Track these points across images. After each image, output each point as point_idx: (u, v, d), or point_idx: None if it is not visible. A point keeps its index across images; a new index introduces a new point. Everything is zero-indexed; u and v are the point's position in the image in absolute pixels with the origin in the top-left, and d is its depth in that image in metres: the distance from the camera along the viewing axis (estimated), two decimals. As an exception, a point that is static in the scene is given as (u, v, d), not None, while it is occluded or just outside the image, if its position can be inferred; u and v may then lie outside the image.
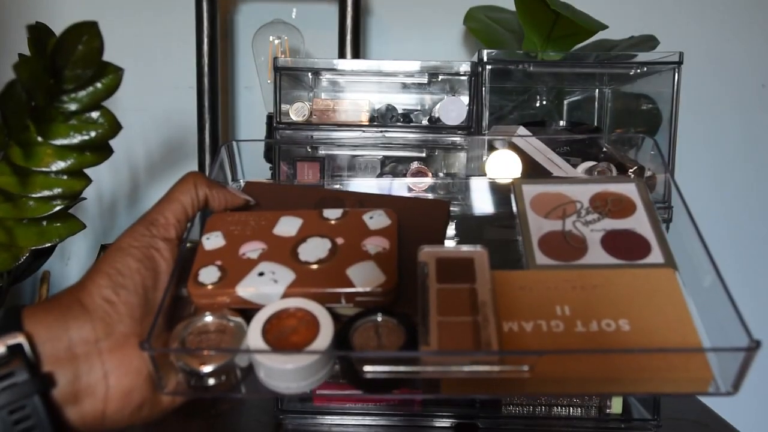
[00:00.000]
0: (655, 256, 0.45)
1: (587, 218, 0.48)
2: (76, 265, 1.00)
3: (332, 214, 0.45)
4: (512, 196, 0.52)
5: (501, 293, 0.41)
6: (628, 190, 0.50)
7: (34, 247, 0.50)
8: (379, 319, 0.39)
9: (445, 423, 0.62)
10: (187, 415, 0.42)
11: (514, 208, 0.51)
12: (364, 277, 0.40)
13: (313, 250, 0.42)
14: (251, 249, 0.43)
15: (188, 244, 0.43)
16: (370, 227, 0.44)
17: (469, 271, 0.42)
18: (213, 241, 0.43)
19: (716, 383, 0.37)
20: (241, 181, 0.50)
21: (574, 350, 0.38)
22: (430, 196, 0.57)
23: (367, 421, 0.62)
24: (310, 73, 0.58)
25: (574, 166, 0.58)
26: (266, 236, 0.43)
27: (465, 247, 0.44)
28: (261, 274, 0.40)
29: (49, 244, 0.51)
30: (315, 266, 0.41)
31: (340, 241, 0.43)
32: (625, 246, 0.46)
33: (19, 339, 0.36)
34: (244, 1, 0.97)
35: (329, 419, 0.63)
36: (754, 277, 1.01)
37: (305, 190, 0.51)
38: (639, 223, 0.48)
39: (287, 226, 0.44)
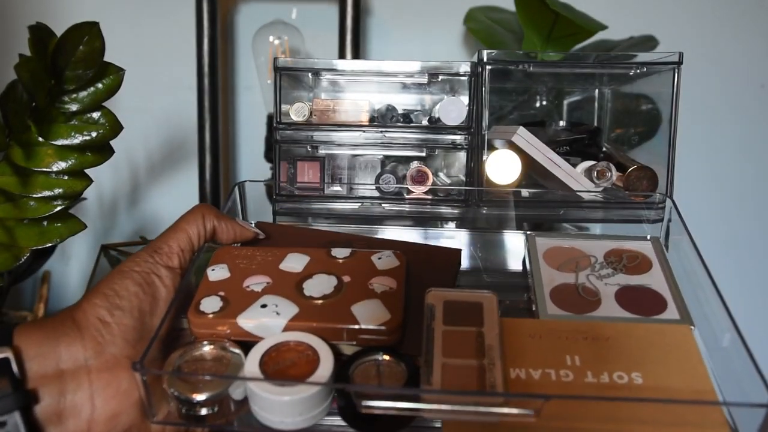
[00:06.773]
0: (671, 312, 0.44)
1: (601, 272, 0.47)
2: (77, 265, 1.00)
3: (340, 253, 0.45)
4: (525, 248, 0.51)
5: (509, 340, 0.40)
6: (644, 247, 0.49)
7: (34, 247, 0.51)
8: (381, 358, 0.38)
9: (445, 423, 0.62)
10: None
11: (527, 260, 0.50)
12: (368, 315, 0.39)
13: (319, 285, 0.41)
14: (256, 282, 0.42)
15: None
16: (378, 267, 0.43)
17: (477, 315, 0.41)
18: (218, 272, 0.43)
19: None
20: (252, 222, 0.50)
21: (582, 396, 0.36)
22: (429, 197, 0.57)
23: (368, 420, 0.62)
24: (310, 74, 0.58)
25: (574, 165, 0.58)
26: (272, 271, 0.43)
27: (474, 291, 0.43)
28: (264, 306, 0.40)
29: (50, 245, 0.51)
30: (319, 301, 0.40)
31: (346, 278, 0.42)
32: (640, 302, 0.45)
33: (6, 354, 0.35)
34: (244, 1, 0.97)
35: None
36: (753, 278, 1.01)
37: (315, 232, 0.50)
38: (655, 280, 0.46)
39: (294, 262, 0.44)
